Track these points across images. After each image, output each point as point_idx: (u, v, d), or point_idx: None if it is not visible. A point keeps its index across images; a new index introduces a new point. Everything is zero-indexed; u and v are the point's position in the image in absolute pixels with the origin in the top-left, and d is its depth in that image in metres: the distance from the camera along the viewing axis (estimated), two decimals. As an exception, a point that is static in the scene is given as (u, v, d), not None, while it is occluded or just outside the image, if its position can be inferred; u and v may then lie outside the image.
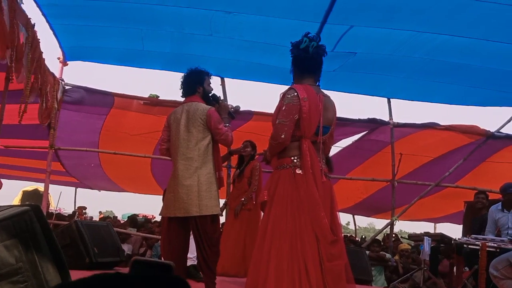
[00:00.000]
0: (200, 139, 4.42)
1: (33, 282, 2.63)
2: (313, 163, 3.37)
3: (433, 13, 5.63)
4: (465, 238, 6.74)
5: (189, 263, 5.09)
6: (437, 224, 14.35)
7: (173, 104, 8.49)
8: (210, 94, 4.72)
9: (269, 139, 3.50)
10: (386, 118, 9.05)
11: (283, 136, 3.38)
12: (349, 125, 8.74)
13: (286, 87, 8.29)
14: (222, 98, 4.85)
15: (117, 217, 13.79)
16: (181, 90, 4.70)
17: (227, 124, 4.58)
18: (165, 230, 4.56)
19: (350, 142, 9.59)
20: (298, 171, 3.38)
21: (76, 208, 14.06)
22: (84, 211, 13.06)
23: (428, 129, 9.05)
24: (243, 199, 6.88)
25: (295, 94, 3.41)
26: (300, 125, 3.39)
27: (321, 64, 3.60)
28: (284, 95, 3.47)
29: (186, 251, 4.59)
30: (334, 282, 3.24)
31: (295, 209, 3.30)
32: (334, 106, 3.63)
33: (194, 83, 4.64)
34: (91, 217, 16.64)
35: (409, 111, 10.57)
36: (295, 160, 3.41)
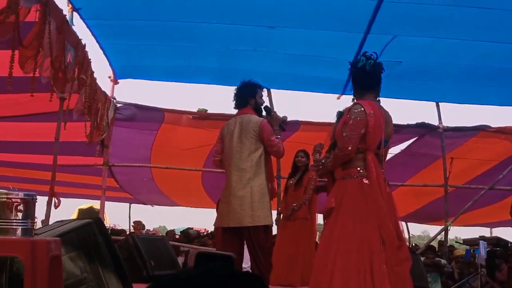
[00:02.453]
0: (253, 151, 4.52)
1: (97, 291, 2.77)
2: (378, 174, 3.58)
3: (476, 21, 5.65)
4: (522, 241, 6.62)
5: (243, 272, 5.16)
6: (493, 229, 13.99)
7: (222, 117, 8.59)
8: (262, 106, 4.82)
9: (336, 151, 3.71)
10: (435, 123, 8.98)
11: (350, 148, 3.57)
12: (398, 131, 8.65)
13: (332, 95, 8.34)
14: (274, 110, 4.93)
15: (174, 230, 13.95)
16: (234, 102, 4.81)
17: (279, 136, 4.66)
18: (219, 240, 4.66)
19: (399, 150, 9.53)
20: (365, 181, 3.58)
21: (132, 223, 14.32)
22: (139, 226, 13.28)
23: (479, 133, 8.91)
24: (294, 204, 6.91)
25: (362, 109, 3.61)
26: (366, 138, 3.60)
27: (380, 80, 3.80)
28: (350, 110, 3.67)
29: (241, 260, 4.67)
30: (403, 285, 3.44)
31: (363, 217, 3.50)
32: (392, 121, 3.87)
33: (247, 96, 4.76)
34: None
35: (458, 116, 10.39)
36: (361, 171, 3.61)
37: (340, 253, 3.41)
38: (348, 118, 3.62)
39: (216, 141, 4.87)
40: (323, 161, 4.05)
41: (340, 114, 4.81)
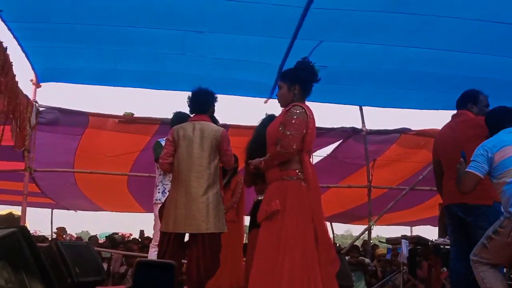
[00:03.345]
0: (213, 159, 4.56)
1: (23, 301, 2.69)
2: (314, 175, 3.67)
3: (400, 28, 5.86)
4: (441, 239, 6.88)
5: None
6: (413, 228, 14.51)
7: (149, 121, 8.52)
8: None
9: (278, 148, 3.66)
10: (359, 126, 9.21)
11: (294, 146, 3.60)
12: (323, 135, 8.82)
13: (258, 99, 8.31)
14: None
15: (96, 236, 13.60)
16: (191, 107, 4.79)
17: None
18: (165, 245, 4.57)
19: (325, 155, 9.76)
20: (304, 184, 3.63)
21: (55, 229, 13.88)
22: (62, 232, 12.87)
23: (401, 136, 9.22)
24: None
25: (303, 110, 3.67)
26: (305, 140, 3.66)
27: None
28: (288, 111, 3.70)
29: (182, 266, 4.66)
30: (332, 284, 3.57)
31: (304, 218, 3.56)
32: None
33: (207, 103, 4.78)
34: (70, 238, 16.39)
35: (380, 119, 10.75)
36: (299, 174, 3.66)
37: (288, 258, 3.46)
38: (289, 118, 3.65)
39: (166, 143, 4.75)
40: (250, 161, 4.04)
41: (269, 117, 4.81)
